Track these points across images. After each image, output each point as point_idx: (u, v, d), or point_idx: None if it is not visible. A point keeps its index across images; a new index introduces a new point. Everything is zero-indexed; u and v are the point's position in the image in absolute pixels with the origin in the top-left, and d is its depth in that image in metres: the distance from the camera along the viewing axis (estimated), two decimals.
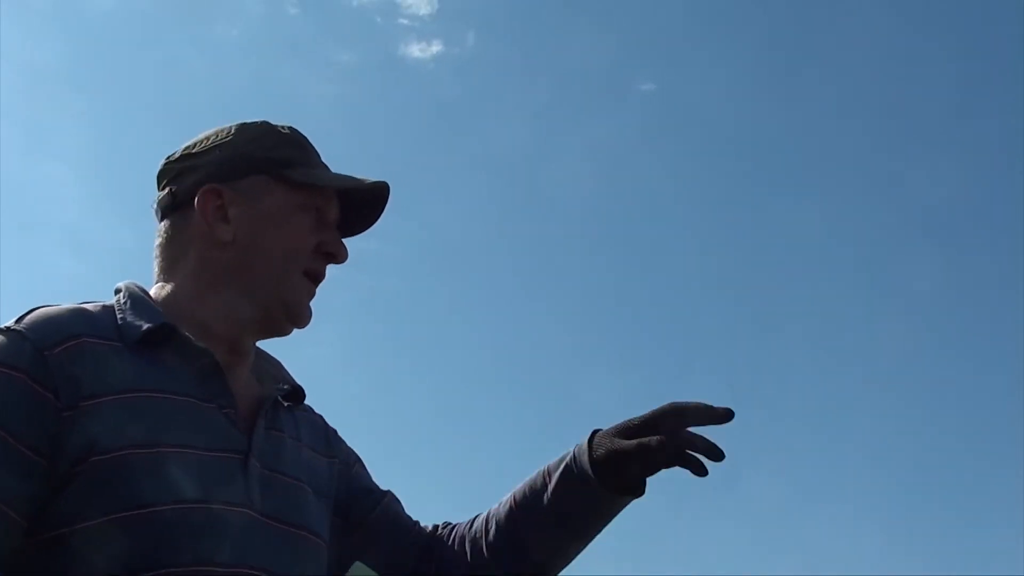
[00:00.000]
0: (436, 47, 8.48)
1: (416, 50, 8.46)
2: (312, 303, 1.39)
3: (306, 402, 1.47)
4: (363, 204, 1.43)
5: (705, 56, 9.09)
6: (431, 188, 9.00)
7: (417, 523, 1.52)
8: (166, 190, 1.40)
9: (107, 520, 1.15)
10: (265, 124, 1.42)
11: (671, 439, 1.29)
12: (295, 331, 1.40)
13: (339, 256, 1.39)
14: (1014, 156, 8.46)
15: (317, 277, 1.38)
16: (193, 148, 1.40)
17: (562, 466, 1.38)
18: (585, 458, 1.35)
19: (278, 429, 1.35)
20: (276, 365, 1.45)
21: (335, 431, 1.51)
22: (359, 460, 1.51)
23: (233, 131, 1.40)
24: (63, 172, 8.46)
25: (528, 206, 9.30)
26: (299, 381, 1.46)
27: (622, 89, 8.89)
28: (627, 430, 1.33)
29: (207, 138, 1.41)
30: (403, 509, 1.51)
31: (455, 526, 1.51)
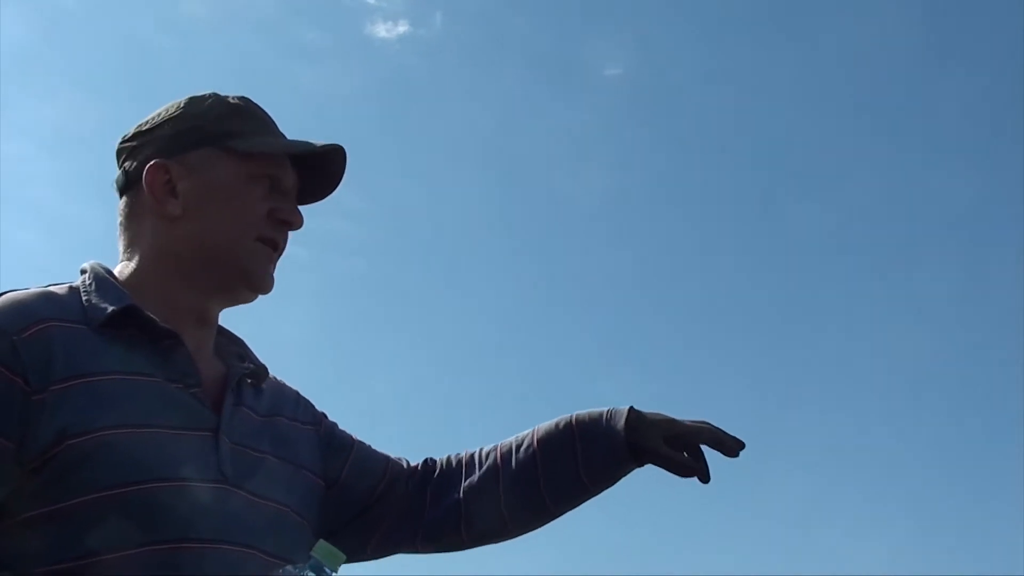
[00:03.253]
0: (403, 27, 8.42)
1: (383, 30, 8.39)
2: (277, 275, 1.40)
3: (276, 376, 1.48)
4: (323, 170, 1.43)
5: (675, 38, 9.00)
6: (398, 169, 8.95)
7: (393, 459, 1.54)
8: (120, 170, 1.41)
9: (85, 500, 1.16)
10: (213, 96, 1.42)
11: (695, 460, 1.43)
12: (267, 311, 1.43)
13: (293, 222, 1.40)
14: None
15: (275, 244, 1.39)
16: (145, 125, 1.41)
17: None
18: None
19: (246, 406, 1.36)
20: (239, 344, 1.45)
21: (303, 396, 1.51)
22: (325, 417, 1.52)
23: (182, 105, 1.40)
24: (29, 150, 8.41)
25: (495, 187, 9.25)
26: (269, 361, 1.47)
27: (588, 73, 8.83)
28: (667, 431, 1.43)
29: (158, 114, 1.41)
30: (375, 452, 1.54)
31: (447, 456, 1.55)
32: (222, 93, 1.42)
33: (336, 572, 1.13)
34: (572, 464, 1.44)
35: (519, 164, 9.12)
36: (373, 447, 1.54)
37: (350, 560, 1.41)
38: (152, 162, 1.36)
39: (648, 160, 9.24)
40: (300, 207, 1.42)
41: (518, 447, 1.48)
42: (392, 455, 1.55)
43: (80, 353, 1.23)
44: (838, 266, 9.35)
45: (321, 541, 1.14)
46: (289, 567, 1.15)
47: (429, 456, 1.56)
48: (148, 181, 1.35)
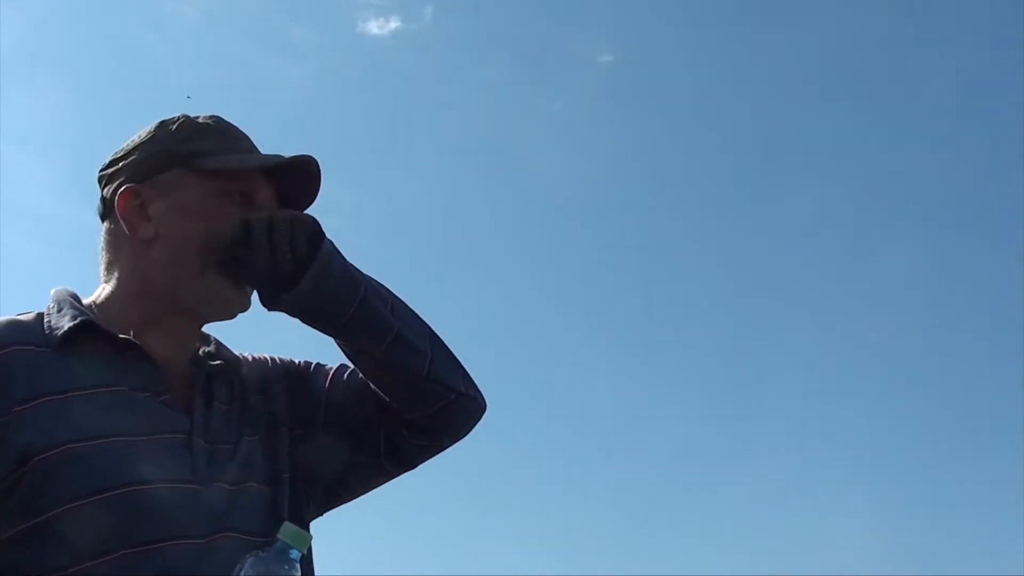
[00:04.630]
0: (394, 23, 8.44)
1: (374, 27, 8.42)
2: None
3: (251, 355, 1.51)
4: (302, 180, 1.44)
5: (662, 24, 9.05)
6: (393, 165, 8.97)
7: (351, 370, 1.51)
8: (99, 198, 1.44)
9: (58, 512, 1.21)
10: (182, 117, 1.44)
11: None
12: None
13: None
14: (1011, 146, 8.44)
15: None
16: (119, 153, 1.44)
17: None
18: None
19: (219, 401, 1.40)
20: (210, 342, 1.48)
21: (277, 358, 1.53)
22: (302, 365, 1.53)
23: (152, 129, 1.44)
24: (23, 156, 8.41)
25: (486, 179, 9.29)
26: (271, 354, 1.53)
27: (580, 61, 8.87)
28: None
29: (131, 141, 1.44)
30: (337, 373, 1.51)
31: None
32: (192, 114, 1.45)
33: (303, 551, 1.16)
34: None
35: (509, 155, 9.17)
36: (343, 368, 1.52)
37: (363, 491, 1.49)
38: (123, 188, 1.40)
39: (637, 147, 9.29)
40: None
41: None
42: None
43: (42, 374, 1.27)
44: (815, 250, 9.46)
45: (287, 523, 1.17)
46: (258, 551, 1.16)
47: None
48: (120, 207, 1.39)
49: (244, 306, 1.41)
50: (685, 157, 9.17)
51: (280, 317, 1.37)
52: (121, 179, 1.41)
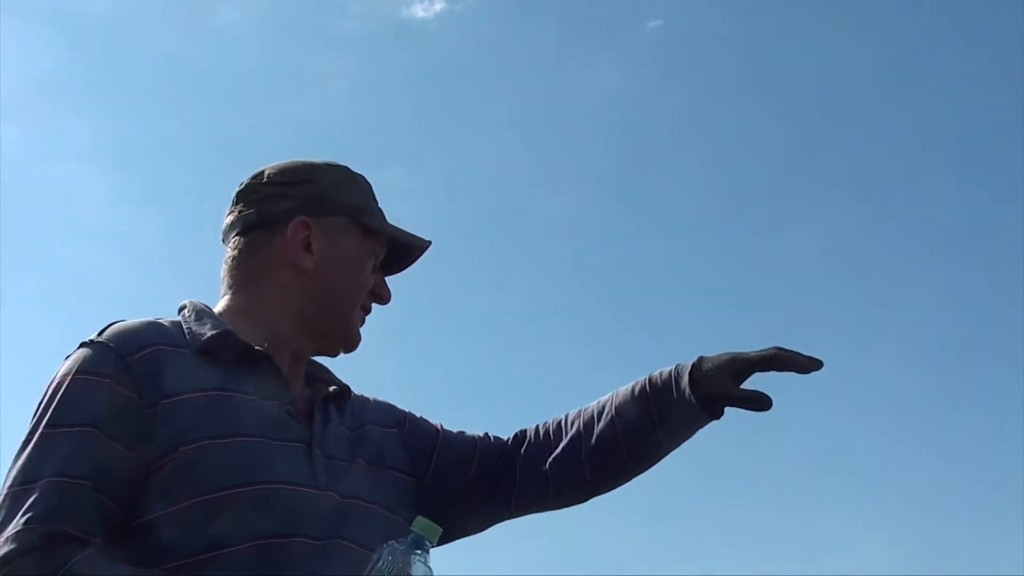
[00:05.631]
0: (439, 5, 8.51)
1: (419, 10, 8.52)
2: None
3: (357, 393, 1.63)
4: (408, 257, 1.62)
5: None
6: (448, 147, 8.97)
7: (481, 438, 1.64)
8: (251, 209, 1.54)
9: (197, 502, 1.31)
10: (346, 169, 1.60)
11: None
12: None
13: (384, 299, 1.59)
14: (1015, 172, 8.46)
15: (367, 312, 1.58)
16: (283, 177, 1.56)
17: (668, 390, 1.49)
18: (688, 396, 1.46)
19: (333, 422, 1.52)
20: (324, 369, 1.61)
21: (386, 402, 1.66)
22: (409, 415, 1.65)
23: (321, 169, 1.57)
24: (82, 170, 8.59)
25: (542, 155, 9.20)
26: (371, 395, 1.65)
27: (629, 28, 8.80)
28: (734, 370, 1.44)
29: (295, 169, 1.57)
30: (461, 434, 1.64)
31: (536, 426, 1.64)
32: (342, 164, 1.60)
33: (434, 542, 1.25)
34: (650, 429, 1.51)
35: (562, 127, 9.03)
36: (463, 432, 1.65)
37: (453, 538, 1.59)
38: (299, 218, 1.52)
39: (688, 114, 9.13)
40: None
41: (599, 415, 1.56)
42: (480, 434, 1.66)
43: (186, 373, 1.39)
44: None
45: (419, 517, 1.26)
46: (393, 542, 1.25)
47: (520, 429, 1.65)
48: (292, 233, 1.51)
49: (358, 345, 1.57)
50: (737, 122, 9.06)
51: None
52: (288, 205, 1.53)
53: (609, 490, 1.60)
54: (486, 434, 1.67)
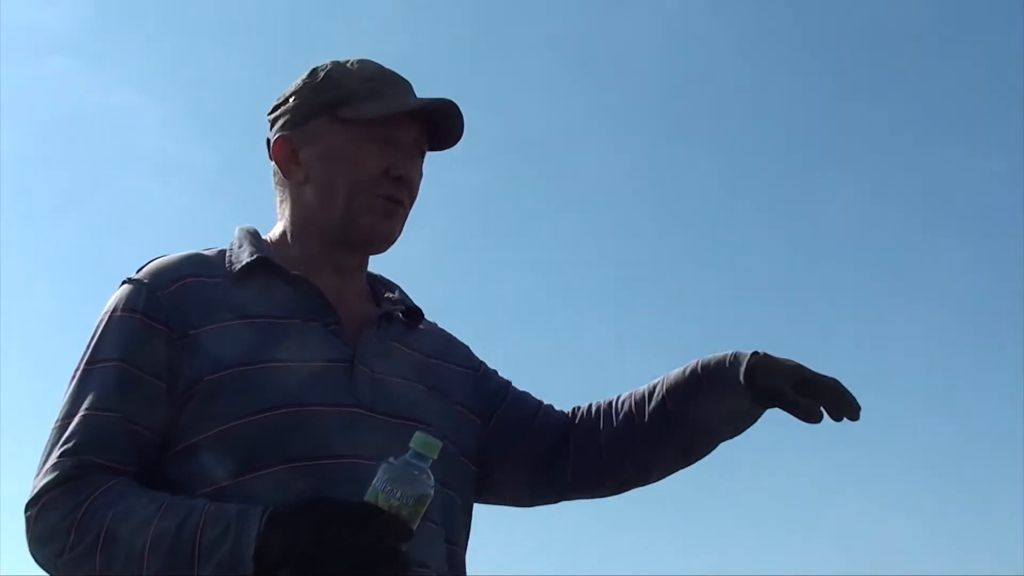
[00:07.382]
0: None
1: None
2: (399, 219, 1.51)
3: (437, 324, 1.62)
4: (445, 120, 1.53)
5: None
6: (502, 80, 8.63)
7: (545, 405, 1.63)
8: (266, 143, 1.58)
9: (226, 427, 1.33)
10: (330, 65, 1.55)
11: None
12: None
13: (402, 175, 1.49)
14: None
15: (393, 198, 1.49)
16: (279, 100, 1.56)
17: (721, 375, 1.47)
18: (742, 385, 1.44)
19: (398, 342, 1.50)
20: (394, 288, 1.60)
21: (463, 343, 1.64)
22: (484, 364, 1.64)
23: (304, 77, 1.55)
24: (137, 98, 8.61)
25: (603, 87, 8.90)
26: (399, 281, 1.62)
27: None
28: (797, 376, 1.43)
29: (288, 88, 1.56)
30: (528, 396, 1.63)
31: (590, 404, 1.62)
32: (342, 59, 1.55)
33: (433, 457, 1.21)
34: (700, 414, 1.50)
35: (616, 55, 8.59)
36: (528, 394, 1.64)
37: (491, 502, 1.58)
38: (277, 136, 1.53)
39: (741, 36, 8.73)
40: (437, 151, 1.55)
41: (650, 396, 1.54)
42: (544, 402, 1.64)
43: (216, 303, 1.41)
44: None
45: (418, 432, 1.22)
46: (391, 458, 1.21)
47: (576, 405, 1.63)
48: (275, 153, 1.53)
49: (388, 239, 1.52)
50: (793, 46, 8.81)
51: None
52: (277, 126, 1.54)
53: (662, 476, 1.60)
54: (549, 404, 1.65)
